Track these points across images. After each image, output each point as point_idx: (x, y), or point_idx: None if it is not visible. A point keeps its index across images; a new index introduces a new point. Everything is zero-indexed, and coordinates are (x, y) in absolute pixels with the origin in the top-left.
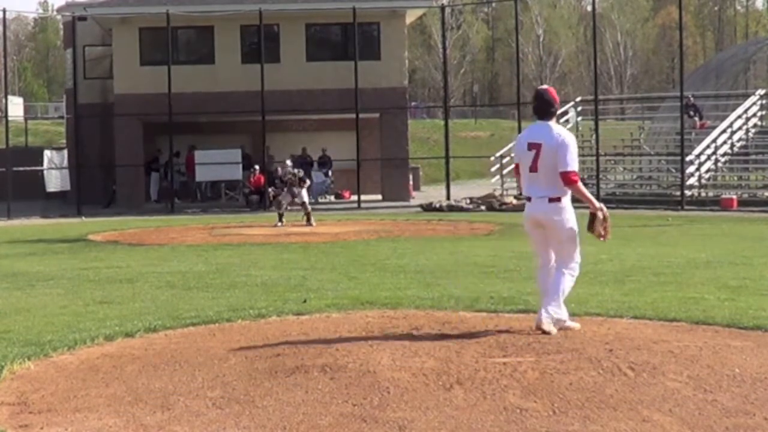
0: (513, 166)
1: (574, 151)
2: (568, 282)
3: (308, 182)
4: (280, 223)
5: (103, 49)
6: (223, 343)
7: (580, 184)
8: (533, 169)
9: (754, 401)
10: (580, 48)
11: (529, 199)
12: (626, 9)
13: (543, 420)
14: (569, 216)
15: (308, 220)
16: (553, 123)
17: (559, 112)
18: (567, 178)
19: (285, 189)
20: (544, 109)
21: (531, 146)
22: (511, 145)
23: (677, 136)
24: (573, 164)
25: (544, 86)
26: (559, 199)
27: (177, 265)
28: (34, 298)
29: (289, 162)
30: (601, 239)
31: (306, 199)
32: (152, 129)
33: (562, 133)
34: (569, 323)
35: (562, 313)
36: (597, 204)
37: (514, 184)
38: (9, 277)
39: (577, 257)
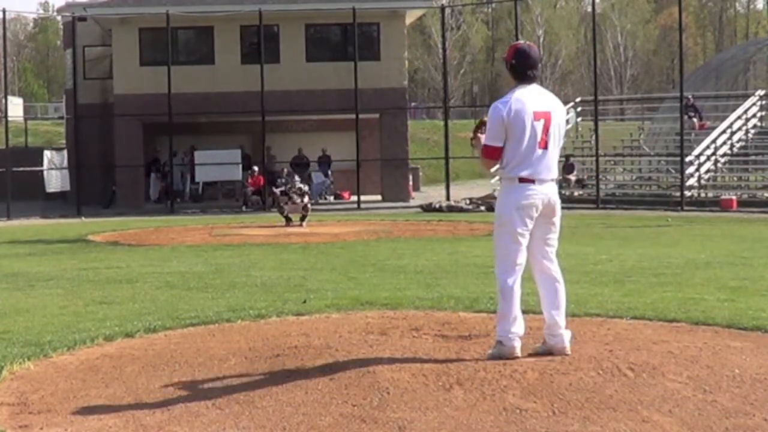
0: (490, 144)
1: None
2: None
3: (308, 188)
4: (289, 223)
5: (102, 49)
6: (223, 344)
7: None
8: (543, 145)
9: (753, 402)
10: (580, 49)
11: (531, 181)
12: (627, 10)
13: (543, 420)
14: None
15: (302, 219)
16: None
17: None
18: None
19: (290, 202)
20: (536, 68)
21: (538, 115)
22: None
23: (677, 136)
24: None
25: (522, 41)
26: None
27: (177, 265)
28: (34, 298)
29: (297, 178)
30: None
31: (308, 203)
32: (152, 129)
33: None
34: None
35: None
36: None
37: None
38: (9, 277)
39: None
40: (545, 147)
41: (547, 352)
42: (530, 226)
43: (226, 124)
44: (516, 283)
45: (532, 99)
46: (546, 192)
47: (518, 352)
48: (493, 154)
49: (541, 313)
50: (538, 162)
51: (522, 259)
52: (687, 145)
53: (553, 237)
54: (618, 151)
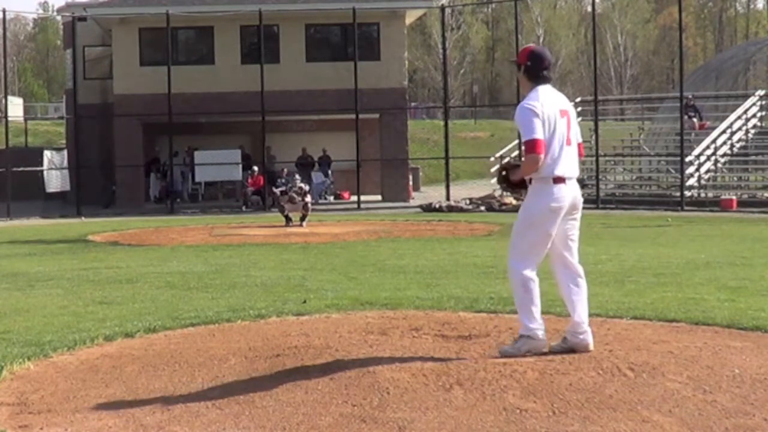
0: (536, 138)
1: None
2: None
3: (309, 188)
4: (289, 222)
5: (102, 49)
6: (223, 344)
7: None
8: (569, 141)
9: (753, 402)
10: (580, 49)
11: (563, 180)
12: (627, 10)
13: (543, 420)
14: None
15: (302, 219)
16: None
17: None
18: (582, 151)
19: (290, 201)
20: (550, 68)
21: (562, 113)
22: (512, 145)
23: (677, 136)
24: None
25: (533, 44)
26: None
27: (177, 265)
28: (33, 298)
29: (298, 177)
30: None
31: (309, 203)
32: (152, 129)
33: None
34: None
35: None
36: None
37: None
38: (9, 277)
39: None
40: (570, 144)
41: (568, 350)
42: (556, 223)
43: (226, 124)
44: (535, 274)
45: (554, 97)
46: (573, 190)
47: (546, 344)
48: (542, 147)
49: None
50: (567, 159)
51: (543, 257)
52: (687, 145)
53: (576, 232)
54: (618, 151)
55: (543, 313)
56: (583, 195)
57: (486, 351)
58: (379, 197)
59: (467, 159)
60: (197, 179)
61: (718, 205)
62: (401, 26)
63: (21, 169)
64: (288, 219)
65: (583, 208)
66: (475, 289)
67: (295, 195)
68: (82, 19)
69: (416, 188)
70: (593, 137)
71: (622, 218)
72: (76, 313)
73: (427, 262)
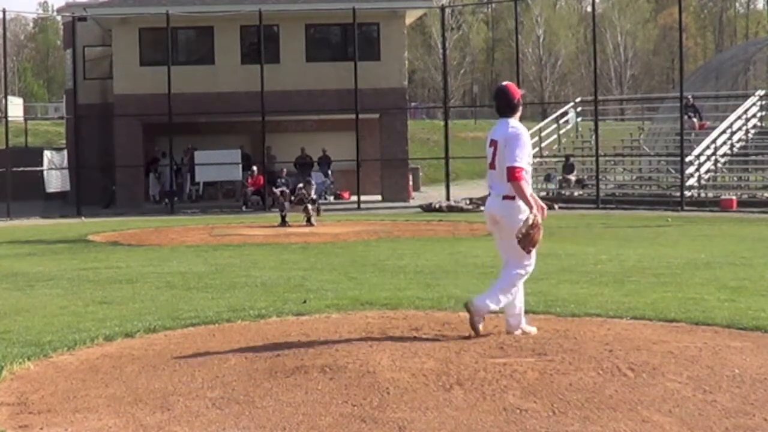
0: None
1: (524, 148)
2: (514, 279)
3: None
4: (285, 224)
5: (102, 49)
6: (223, 344)
7: (522, 183)
8: (492, 166)
9: (753, 402)
10: (580, 48)
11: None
12: (627, 10)
13: (543, 420)
14: (522, 217)
15: (308, 220)
16: (512, 119)
17: (560, 112)
18: (511, 174)
19: (298, 203)
20: (503, 105)
21: (491, 143)
22: None
23: (677, 136)
24: (519, 161)
25: (505, 83)
26: (513, 198)
27: (177, 265)
28: (34, 298)
29: (300, 184)
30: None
31: (310, 206)
32: (152, 129)
33: (517, 128)
34: (525, 327)
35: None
36: (534, 210)
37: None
38: (9, 277)
39: (527, 262)
40: (494, 168)
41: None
42: (490, 227)
43: (226, 124)
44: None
45: (492, 130)
46: (491, 204)
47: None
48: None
49: (540, 312)
50: (491, 180)
51: (496, 247)
52: (687, 145)
53: (503, 241)
54: (618, 151)
55: (543, 312)
56: (583, 195)
57: (486, 351)
58: (379, 197)
59: (467, 159)
60: (197, 179)
61: (718, 205)
62: (401, 26)
63: (21, 169)
64: (284, 219)
65: (584, 208)
66: (475, 289)
67: (303, 198)
68: (82, 19)
69: (416, 188)
70: (593, 137)
71: (622, 218)
72: (76, 313)
73: (427, 262)
